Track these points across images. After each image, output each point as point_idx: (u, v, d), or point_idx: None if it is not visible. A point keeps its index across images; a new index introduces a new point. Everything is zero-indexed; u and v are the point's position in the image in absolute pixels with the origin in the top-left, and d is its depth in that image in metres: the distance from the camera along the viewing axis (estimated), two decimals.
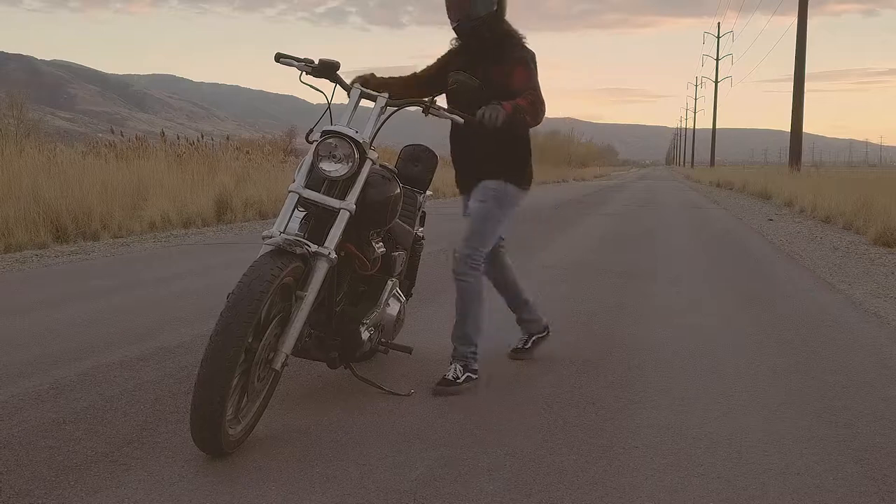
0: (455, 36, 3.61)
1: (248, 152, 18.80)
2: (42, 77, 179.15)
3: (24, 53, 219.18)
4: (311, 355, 3.26)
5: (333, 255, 2.92)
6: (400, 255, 3.68)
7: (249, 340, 2.63)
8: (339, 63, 3.27)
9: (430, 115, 3.21)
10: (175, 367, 3.84)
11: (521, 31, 3.60)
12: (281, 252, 2.80)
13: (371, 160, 3.08)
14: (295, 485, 2.52)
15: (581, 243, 10.02)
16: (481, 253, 3.57)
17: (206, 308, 5.04)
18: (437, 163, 3.96)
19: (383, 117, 3.22)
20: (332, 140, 2.99)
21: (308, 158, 3.06)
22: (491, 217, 3.58)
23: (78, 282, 6.68)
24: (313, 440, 2.92)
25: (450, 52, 3.69)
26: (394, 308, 3.61)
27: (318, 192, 3.02)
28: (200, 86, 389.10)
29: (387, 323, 3.57)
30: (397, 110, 3.22)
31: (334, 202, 2.99)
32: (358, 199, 3.03)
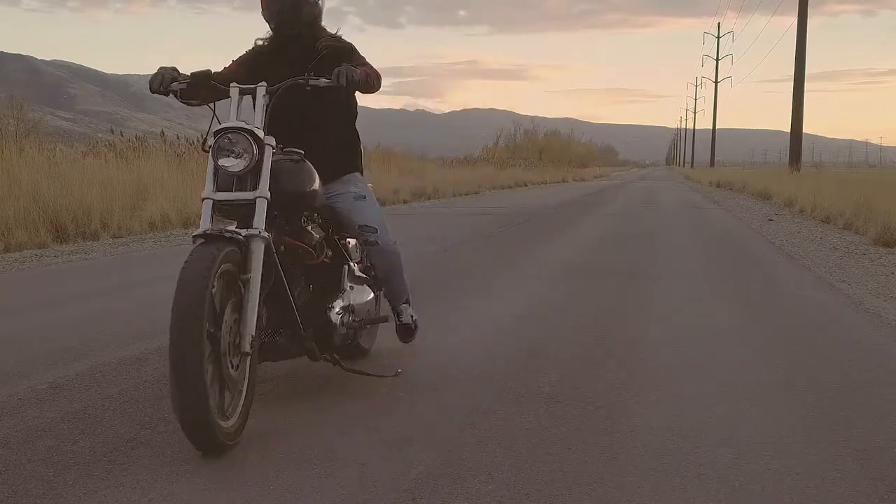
0: (264, 37, 3.55)
1: None
2: (42, 77, 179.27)
3: (24, 53, 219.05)
4: (290, 354, 3.29)
5: (266, 234, 2.92)
6: (351, 240, 3.78)
7: (210, 329, 2.63)
8: (209, 70, 3.31)
9: (310, 88, 3.21)
10: None
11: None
12: (212, 238, 2.80)
13: (270, 146, 3.06)
14: (294, 484, 2.52)
15: (581, 243, 10.01)
16: (385, 223, 3.66)
17: None
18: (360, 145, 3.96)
19: (266, 104, 3.18)
20: (228, 136, 2.99)
21: (210, 163, 3.04)
22: (372, 198, 3.69)
23: (78, 282, 6.68)
24: (312, 440, 2.91)
25: (257, 52, 3.58)
26: (360, 290, 3.73)
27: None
28: None
29: (357, 304, 3.65)
30: (277, 92, 3.20)
31: (248, 194, 3.00)
32: (274, 188, 3.02)
